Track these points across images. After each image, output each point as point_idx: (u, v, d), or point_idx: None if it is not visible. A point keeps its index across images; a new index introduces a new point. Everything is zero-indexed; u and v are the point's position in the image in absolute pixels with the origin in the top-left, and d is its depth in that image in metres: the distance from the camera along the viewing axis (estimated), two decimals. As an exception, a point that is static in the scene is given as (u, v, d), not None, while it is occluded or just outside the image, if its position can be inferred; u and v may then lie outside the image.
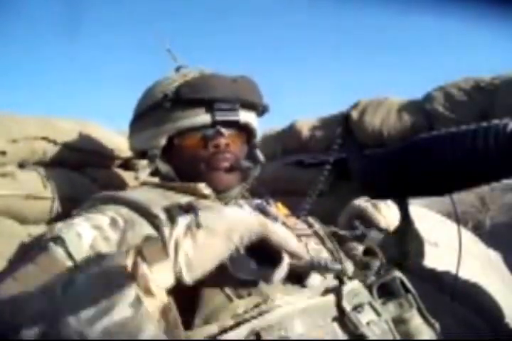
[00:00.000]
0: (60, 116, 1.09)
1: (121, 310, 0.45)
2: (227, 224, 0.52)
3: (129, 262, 0.48)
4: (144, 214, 0.67)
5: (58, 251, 0.59)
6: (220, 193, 0.79)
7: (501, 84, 1.33)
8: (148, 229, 0.65)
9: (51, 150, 0.97)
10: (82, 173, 1.06)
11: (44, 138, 0.96)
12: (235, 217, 0.54)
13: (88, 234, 0.62)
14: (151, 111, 0.81)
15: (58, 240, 0.60)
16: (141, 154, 0.86)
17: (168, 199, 0.71)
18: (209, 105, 0.78)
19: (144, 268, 0.47)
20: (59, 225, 0.65)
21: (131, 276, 0.47)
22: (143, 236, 0.62)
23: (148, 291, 0.47)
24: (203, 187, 0.76)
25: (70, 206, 0.80)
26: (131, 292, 0.46)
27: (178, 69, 0.86)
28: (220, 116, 0.78)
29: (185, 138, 0.80)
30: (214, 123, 0.79)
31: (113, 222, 0.65)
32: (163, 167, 0.81)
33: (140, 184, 0.85)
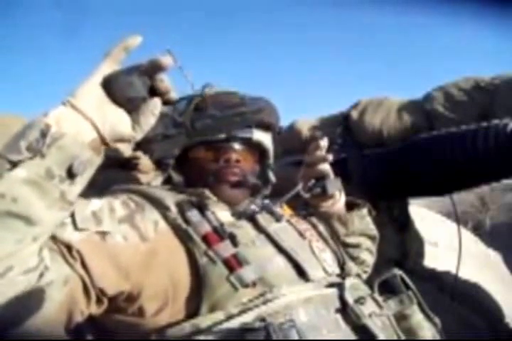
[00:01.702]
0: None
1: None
2: None
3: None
4: (156, 204, 0.70)
5: (68, 221, 0.58)
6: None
7: (501, 84, 1.33)
8: (157, 216, 0.68)
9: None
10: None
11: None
12: None
13: (96, 203, 0.65)
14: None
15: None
16: (158, 162, 0.88)
17: (179, 197, 0.74)
18: None
19: None
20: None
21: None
22: (151, 220, 0.67)
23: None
24: (211, 194, 0.77)
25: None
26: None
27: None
28: (234, 132, 0.80)
29: (198, 150, 0.81)
30: (228, 139, 0.80)
31: (124, 203, 0.68)
32: (176, 176, 0.83)
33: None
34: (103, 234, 0.60)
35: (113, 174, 1.11)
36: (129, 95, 0.55)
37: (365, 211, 0.92)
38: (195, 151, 0.82)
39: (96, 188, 1.04)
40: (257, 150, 0.86)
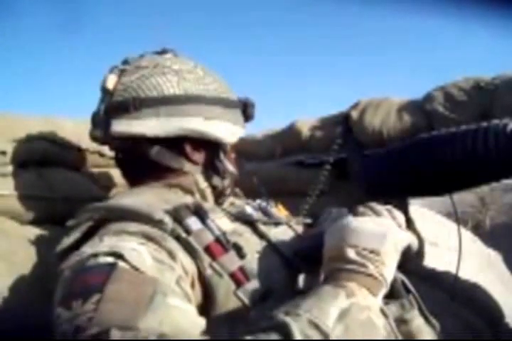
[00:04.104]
0: (61, 116, 1.10)
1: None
2: None
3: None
4: (147, 222, 0.62)
5: (124, 266, 0.53)
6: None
7: (501, 84, 1.33)
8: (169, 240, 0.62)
9: (51, 150, 0.97)
10: (82, 173, 1.06)
11: (44, 138, 0.96)
12: None
13: (141, 248, 0.57)
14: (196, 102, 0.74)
15: (117, 256, 0.54)
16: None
17: (168, 202, 0.68)
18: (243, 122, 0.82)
19: None
20: (105, 243, 0.58)
21: None
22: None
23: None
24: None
25: (70, 206, 0.80)
26: None
27: (163, 51, 0.78)
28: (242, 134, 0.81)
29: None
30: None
31: (144, 236, 0.60)
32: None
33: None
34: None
35: (113, 174, 1.11)
36: None
37: None
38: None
39: (96, 188, 1.04)
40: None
